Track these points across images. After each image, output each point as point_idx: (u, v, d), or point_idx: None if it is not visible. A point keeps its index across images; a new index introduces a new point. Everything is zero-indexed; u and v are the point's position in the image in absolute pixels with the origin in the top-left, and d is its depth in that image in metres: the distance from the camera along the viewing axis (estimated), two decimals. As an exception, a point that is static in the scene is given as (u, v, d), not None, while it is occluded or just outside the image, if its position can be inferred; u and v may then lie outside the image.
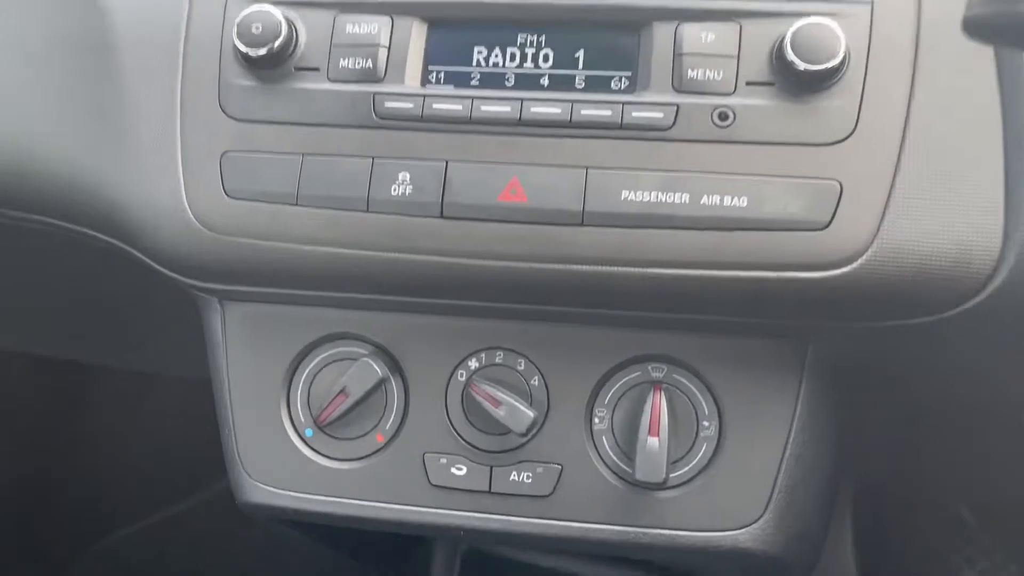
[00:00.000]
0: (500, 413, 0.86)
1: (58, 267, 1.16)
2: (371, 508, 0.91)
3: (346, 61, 0.84)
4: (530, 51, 0.83)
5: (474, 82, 0.83)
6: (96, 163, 0.89)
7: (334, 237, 0.83)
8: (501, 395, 0.86)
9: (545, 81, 0.83)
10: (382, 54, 0.83)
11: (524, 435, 0.87)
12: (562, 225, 0.79)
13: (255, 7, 0.84)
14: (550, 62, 0.83)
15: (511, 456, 0.89)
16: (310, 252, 0.83)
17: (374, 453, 0.91)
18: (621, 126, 0.79)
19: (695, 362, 0.87)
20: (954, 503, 1.65)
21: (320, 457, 0.92)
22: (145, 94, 0.87)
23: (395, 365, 0.91)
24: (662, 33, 0.80)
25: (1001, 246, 0.75)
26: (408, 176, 0.81)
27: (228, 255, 0.85)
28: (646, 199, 0.78)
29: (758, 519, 0.86)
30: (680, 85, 0.79)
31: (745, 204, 0.77)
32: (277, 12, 0.83)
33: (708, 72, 0.79)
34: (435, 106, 0.82)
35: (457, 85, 0.83)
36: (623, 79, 0.81)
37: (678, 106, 0.79)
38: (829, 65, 0.76)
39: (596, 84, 0.82)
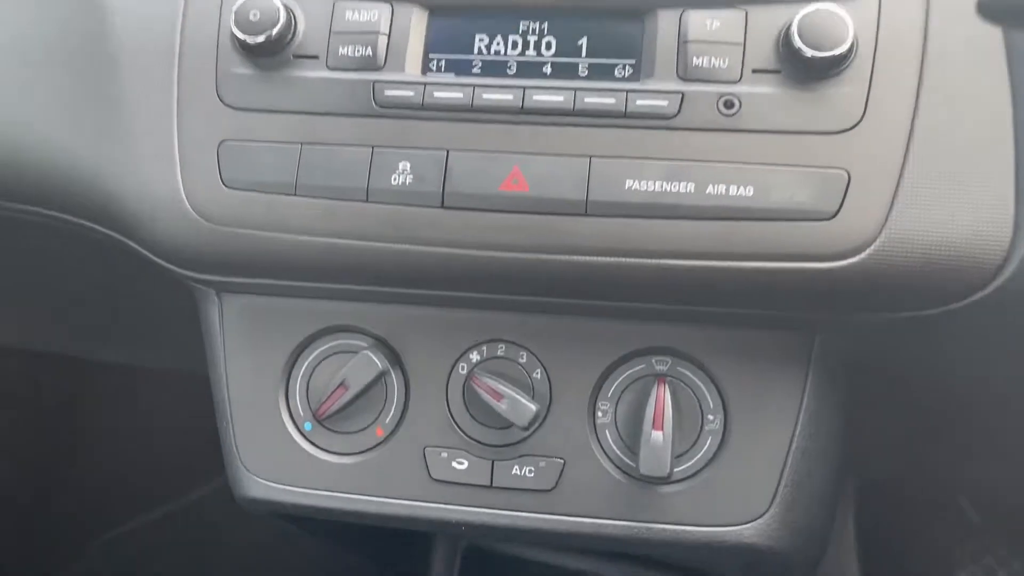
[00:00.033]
0: (502, 406, 0.85)
1: (55, 260, 1.16)
2: (371, 503, 0.90)
3: (345, 49, 0.83)
4: (532, 39, 0.82)
5: (475, 70, 0.82)
6: (91, 153, 0.88)
7: (333, 228, 0.82)
8: (503, 388, 0.86)
9: (547, 69, 0.82)
10: (382, 41, 0.82)
11: (526, 429, 0.86)
12: (565, 215, 0.78)
13: None
14: (552, 50, 0.82)
15: (513, 450, 0.88)
16: (309, 243, 0.82)
17: (374, 447, 0.91)
18: (625, 114, 0.78)
19: (700, 355, 0.86)
20: (957, 499, 1.64)
21: (319, 451, 0.92)
22: (141, 83, 0.86)
23: (395, 358, 0.90)
24: (666, 20, 0.79)
25: (1012, 235, 0.75)
26: (408, 165, 0.80)
27: (226, 246, 0.84)
28: (650, 188, 0.77)
29: (763, 514, 0.85)
30: (685, 73, 0.78)
31: (751, 193, 0.76)
32: None
33: (713, 60, 0.78)
34: (436, 94, 0.81)
35: (458, 73, 0.82)
36: (627, 67, 0.80)
37: (683, 94, 0.78)
38: (837, 52, 0.75)
39: (599, 72, 0.81)
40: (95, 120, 0.88)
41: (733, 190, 0.76)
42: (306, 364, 0.91)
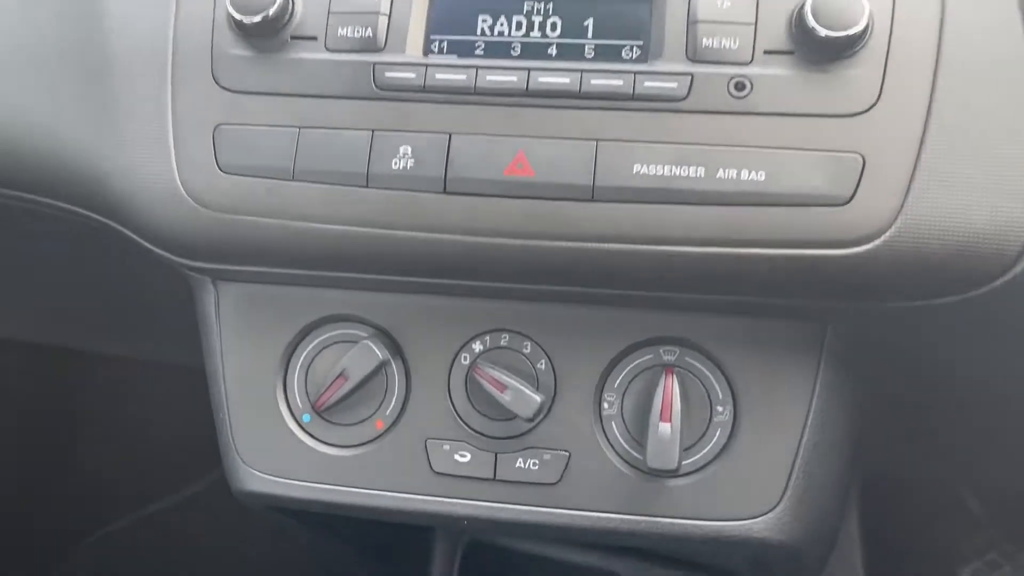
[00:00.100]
0: (505, 398, 0.84)
1: (48, 249, 1.15)
2: (371, 496, 0.89)
3: (345, 30, 0.81)
4: (537, 19, 0.80)
5: (478, 51, 0.81)
6: (83, 137, 0.86)
7: (332, 214, 0.80)
8: (506, 379, 0.84)
9: (553, 50, 0.80)
10: (382, 22, 0.81)
11: (530, 420, 0.85)
12: (571, 200, 0.77)
13: None
14: (558, 31, 0.80)
15: (517, 442, 0.87)
16: (307, 229, 0.81)
17: (374, 439, 0.89)
18: (633, 97, 0.77)
19: (709, 345, 0.84)
20: (962, 494, 1.64)
21: (318, 443, 0.90)
22: (134, 65, 0.85)
23: (396, 348, 0.89)
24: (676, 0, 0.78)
25: None
26: (409, 149, 0.79)
27: (222, 233, 0.83)
28: (659, 173, 0.76)
29: (774, 508, 0.84)
30: (695, 54, 0.77)
31: (763, 178, 0.75)
32: None
33: (724, 40, 0.76)
34: (438, 76, 0.79)
35: (461, 55, 0.81)
36: (635, 48, 0.79)
37: (693, 76, 0.76)
38: (852, 32, 0.73)
39: (606, 53, 0.79)
40: (86, 104, 0.86)
41: (744, 175, 0.75)
42: (304, 354, 0.90)
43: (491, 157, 0.78)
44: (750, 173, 0.75)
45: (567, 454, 0.86)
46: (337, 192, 0.80)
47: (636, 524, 0.85)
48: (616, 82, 0.77)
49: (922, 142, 0.73)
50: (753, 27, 0.76)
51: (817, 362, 0.83)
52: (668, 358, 0.85)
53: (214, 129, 0.82)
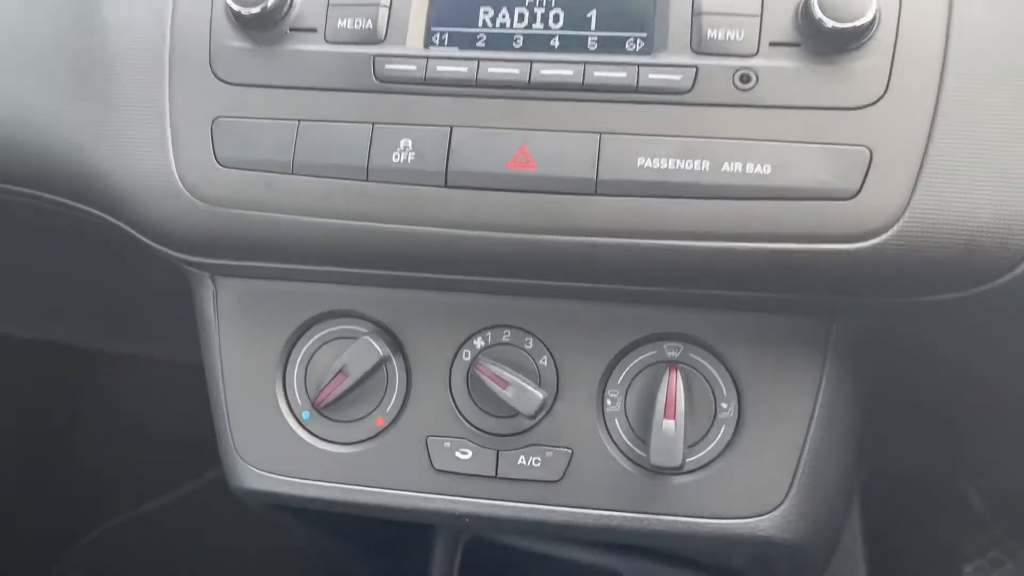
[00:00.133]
0: (507, 394, 0.83)
1: (45, 244, 1.14)
2: (371, 494, 0.89)
3: (344, 21, 0.80)
4: (539, 11, 0.80)
5: (480, 43, 0.80)
6: (79, 130, 0.85)
7: (332, 208, 0.79)
8: (508, 375, 0.84)
9: (555, 42, 0.79)
10: (382, 14, 0.80)
11: (532, 417, 0.84)
12: (574, 194, 0.76)
13: None
14: (560, 22, 0.79)
15: (519, 440, 0.86)
16: (306, 224, 0.80)
17: (374, 436, 0.89)
18: (636, 89, 0.76)
19: (713, 340, 0.84)
20: (964, 492, 1.64)
21: (318, 440, 0.90)
22: (131, 57, 0.84)
23: (396, 344, 0.88)
24: None
25: None
26: (410, 143, 0.78)
27: (220, 227, 0.82)
28: (663, 166, 0.75)
29: (779, 505, 0.83)
30: (699, 46, 0.76)
31: (768, 172, 0.74)
32: None
33: (729, 32, 0.76)
34: (439, 68, 0.79)
35: (462, 47, 0.80)
36: (638, 40, 0.78)
37: (697, 68, 0.76)
38: (859, 23, 0.72)
39: (610, 45, 0.78)
40: (83, 97, 0.85)
41: (750, 168, 0.74)
42: (304, 350, 0.89)
43: (493, 150, 0.77)
44: (755, 166, 0.74)
45: (570, 451, 0.85)
46: (337, 186, 0.79)
47: (639, 522, 0.84)
48: (619, 74, 0.76)
49: (930, 136, 0.73)
50: (758, 18, 0.75)
51: (823, 358, 0.82)
52: (672, 354, 0.84)
53: (212, 122, 0.81)
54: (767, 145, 0.74)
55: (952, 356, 0.99)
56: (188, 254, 0.87)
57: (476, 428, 0.87)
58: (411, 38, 0.80)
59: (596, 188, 0.76)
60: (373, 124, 0.79)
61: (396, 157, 0.78)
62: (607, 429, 0.86)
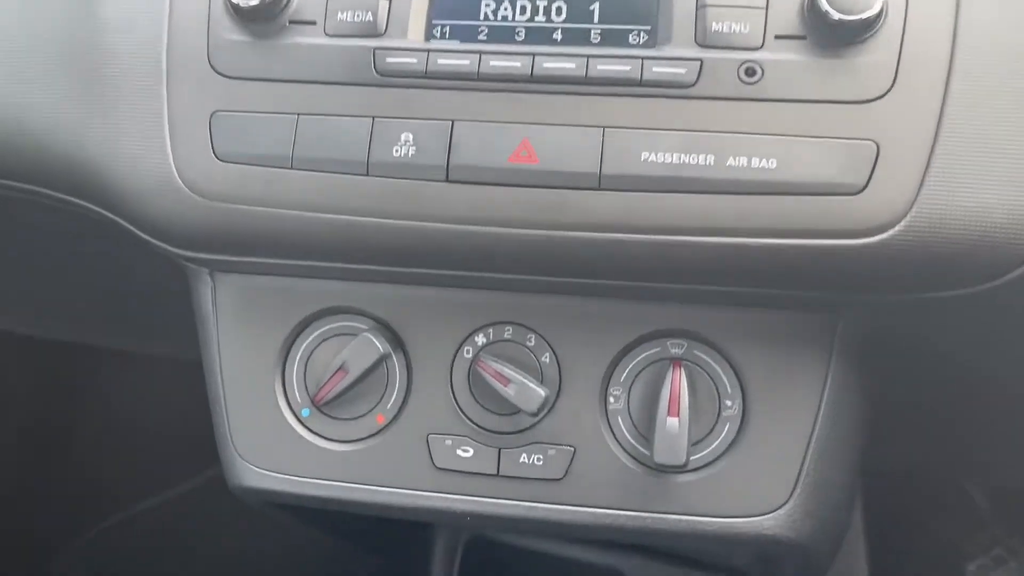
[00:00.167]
0: (509, 392, 0.83)
1: (46, 242, 1.13)
2: (371, 492, 0.88)
3: (344, 14, 0.80)
4: (542, 3, 0.79)
5: (482, 36, 0.79)
6: (75, 124, 0.85)
7: (331, 202, 0.79)
8: (510, 372, 0.83)
9: (558, 35, 0.78)
10: (383, 6, 0.79)
11: (534, 415, 0.84)
12: (577, 189, 0.75)
13: None
14: (563, 15, 0.79)
15: (520, 437, 0.86)
16: (306, 219, 0.80)
17: (375, 434, 0.88)
18: (640, 83, 0.75)
19: (717, 337, 0.83)
20: (967, 490, 1.64)
21: (317, 438, 0.89)
22: (128, 50, 0.83)
23: (397, 341, 0.88)
24: None
25: None
26: (411, 137, 0.78)
27: (219, 222, 0.82)
28: (668, 161, 0.74)
29: (784, 504, 0.83)
30: (704, 39, 0.75)
31: (774, 166, 0.73)
32: None
33: (734, 25, 0.75)
34: (440, 61, 0.78)
35: (463, 39, 0.79)
36: (642, 33, 0.77)
37: (702, 61, 0.75)
38: (865, 15, 0.72)
39: (613, 38, 0.78)
40: (80, 91, 0.85)
41: (755, 162, 0.73)
42: (303, 347, 0.89)
43: (495, 144, 0.76)
44: (761, 161, 0.73)
45: (572, 449, 0.85)
46: (337, 180, 0.78)
47: (643, 521, 0.84)
48: (623, 67, 0.76)
49: (938, 130, 0.72)
50: (764, 11, 0.75)
51: (828, 355, 0.82)
52: (676, 351, 0.84)
53: (210, 116, 0.81)
54: (773, 139, 0.74)
55: (957, 353, 0.99)
56: (186, 250, 0.86)
57: (478, 426, 0.86)
58: (412, 31, 0.79)
59: (599, 183, 0.75)
60: (373, 118, 0.78)
61: (397, 151, 0.77)
62: (610, 427, 0.85)
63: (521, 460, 0.85)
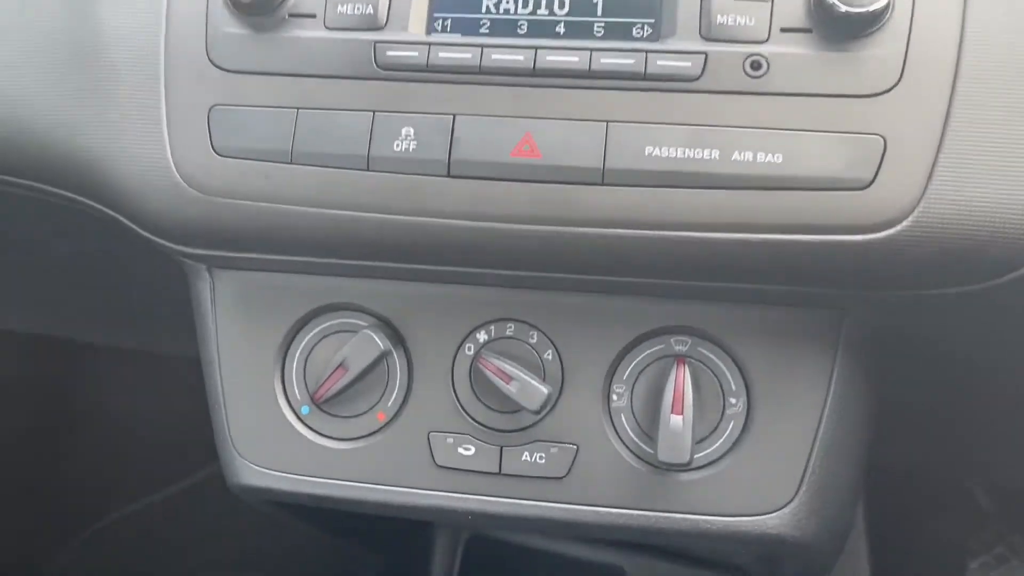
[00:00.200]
0: (511, 389, 0.82)
1: (45, 239, 1.13)
2: (371, 491, 0.88)
3: (344, 7, 0.79)
4: None
5: (483, 30, 0.78)
6: (73, 119, 0.84)
7: (331, 198, 0.78)
8: (512, 370, 0.83)
9: (561, 29, 0.78)
10: None
11: (537, 413, 0.83)
12: (580, 184, 0.75)
13: None
14: (566, 8, 0.78)
15: (523, 435, 0.85)
16: (306, 214, 0.79)
17: (375, 432, 0.88)
18: (644, 76, 0.75)
19: (722, 334, 0.83)
20: (970, 488, 1.63)
21: (317, 436, 0.89)
22: (126, 44, 0.83)
23: (398, 338, 0.87)
24: None
25: None
26: (412, 131, 0.77)
27: (217, 218, 0.81)
28: (672, 155, 0.74)
29: (788, 503, 0.82)
30: (708, 32, 0.75)
31: (780, 160, 0.73)
32: None
33: (739, 18, 0.74)
34: (441, 55, 0.77)
35: (465, 33, 0.79)
36: (646, 26, 0.77)
37: (706, 54, 0.74)
38: (873, 8, 0.71)
39: (616, 32, 0.77)
40: (76, 84, 0.84)
41: (760, 157, 0.73)
42: (303, 344, 0.88)
43: (497, 139, 0.76)
44: (766, 155, 0.73)
45: (575, 447, 0.84)
46: (336, 175, 0.78)
47: (646, 519, 0.83)
48: (627, 61, 0.75)
49: (946, 124, 0.71)
50: (769, 4, 0.74)
51: (834, 352, 0.81)
52: (679, 348, 0.83)
53: (209, 110, 0.80)
54: (778, 133, 0.73)
55: (962, 351, 0.98)
56: (184, 246, 0.85)
57: (479, 424, 0.86)
58: (413, 24, 0.79)
59: (603, 178, 0.74)
60: (374, 112, 0.78)
61: (397, 146, 0.77)
62: (613, 425, 0.85)
63: (523, 458, 0.85)
